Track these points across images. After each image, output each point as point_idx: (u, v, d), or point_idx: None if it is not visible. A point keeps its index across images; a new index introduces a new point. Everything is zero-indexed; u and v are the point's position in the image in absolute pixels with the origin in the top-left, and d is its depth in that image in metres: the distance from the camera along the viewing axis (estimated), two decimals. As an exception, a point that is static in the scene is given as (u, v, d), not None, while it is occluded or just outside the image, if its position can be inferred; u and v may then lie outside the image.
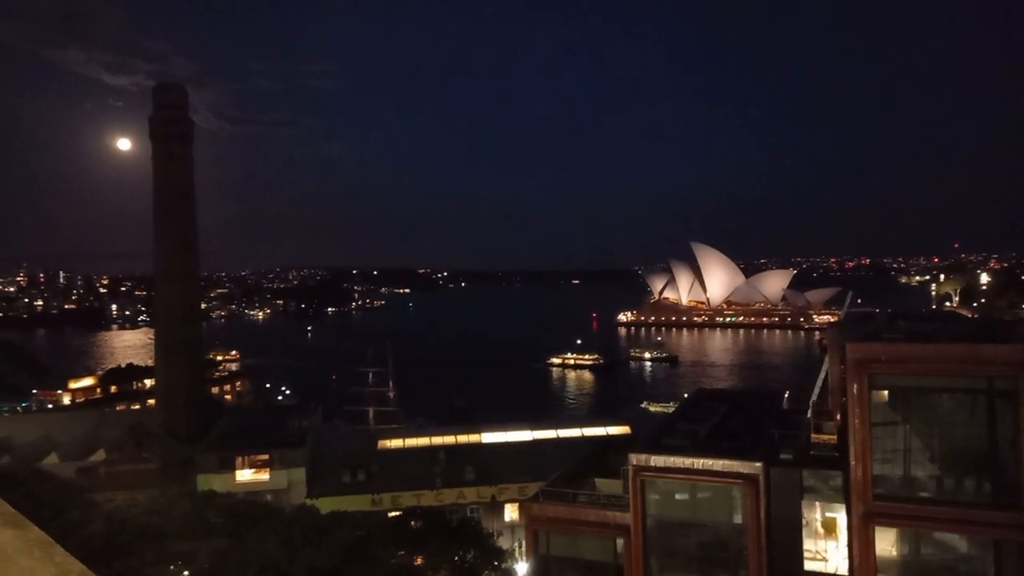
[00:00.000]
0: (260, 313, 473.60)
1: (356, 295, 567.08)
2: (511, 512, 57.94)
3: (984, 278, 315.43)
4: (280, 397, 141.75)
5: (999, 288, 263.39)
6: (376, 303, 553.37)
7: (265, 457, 58.09)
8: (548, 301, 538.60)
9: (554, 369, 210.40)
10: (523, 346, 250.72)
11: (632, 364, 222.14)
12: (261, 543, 33.99)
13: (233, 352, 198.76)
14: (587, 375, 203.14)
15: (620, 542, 25.74)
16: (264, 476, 57.71)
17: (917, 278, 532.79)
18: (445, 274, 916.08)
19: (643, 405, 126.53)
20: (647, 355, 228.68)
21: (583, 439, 62.93)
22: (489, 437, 66.23)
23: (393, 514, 52.49)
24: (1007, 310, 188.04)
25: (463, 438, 66.29)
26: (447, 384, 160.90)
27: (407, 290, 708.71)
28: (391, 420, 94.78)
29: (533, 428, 67.68)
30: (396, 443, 65.34)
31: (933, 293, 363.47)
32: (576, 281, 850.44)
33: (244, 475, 57.84)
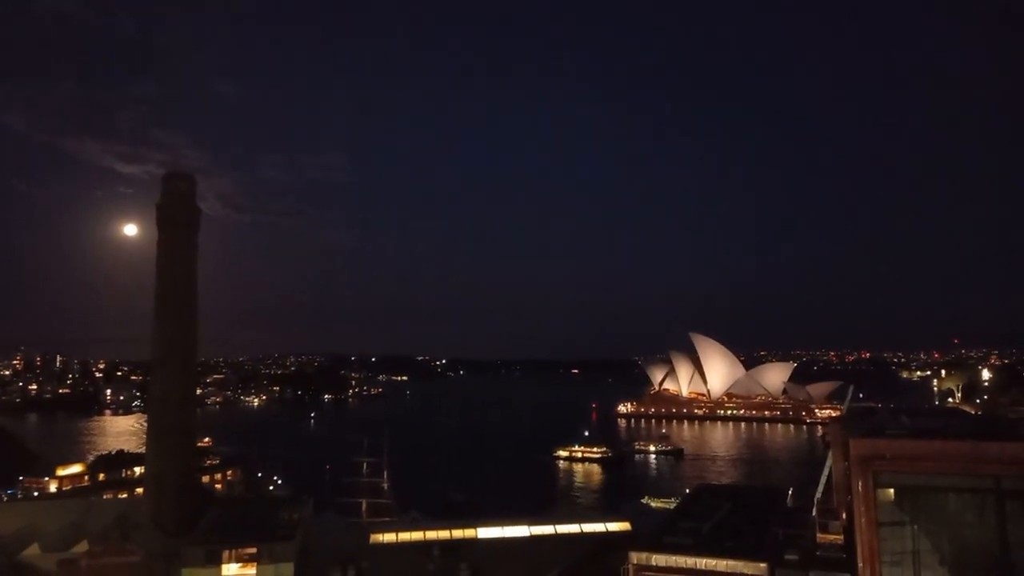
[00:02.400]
0: (256, 400, 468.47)
1: (353, 382, 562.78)
2: (506, 613, 55.58)
3: (986, 374, 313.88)
4: (272, 487, 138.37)
5: (1001, 384, 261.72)
6: (373, 391, 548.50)
7: (253, 551, 56.18)
8: (548, 391, 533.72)
9: (561, 462, 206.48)
10: (523, 438, 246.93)
11: (637, 457, 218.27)
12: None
13: (206, 439, 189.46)
14: (595, 468, 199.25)
15: (620, 648, 24.59)
16: (251, 571, 55.64)
17: (918, 373, 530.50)
18: (444, 362, 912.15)
19: (644, 500, 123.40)
20: (652, 448, 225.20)
21: (582, 535, 61.05)
22: (485, 532, 64.30)
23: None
24: (1010, 407, 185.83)
25: (458, 533, 64.36)
26: (444, 476, 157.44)
27: (405, 378, 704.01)
28: (384, 513, 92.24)
29: (531, 523, 65.79)
30: (389, 537, 63.36)
31: (935, 388, 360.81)
32: (576, 371, 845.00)
33: (230, 570, 55.77)
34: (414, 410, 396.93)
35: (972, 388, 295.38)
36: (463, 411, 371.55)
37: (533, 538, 62.97)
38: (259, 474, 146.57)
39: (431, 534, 64.00)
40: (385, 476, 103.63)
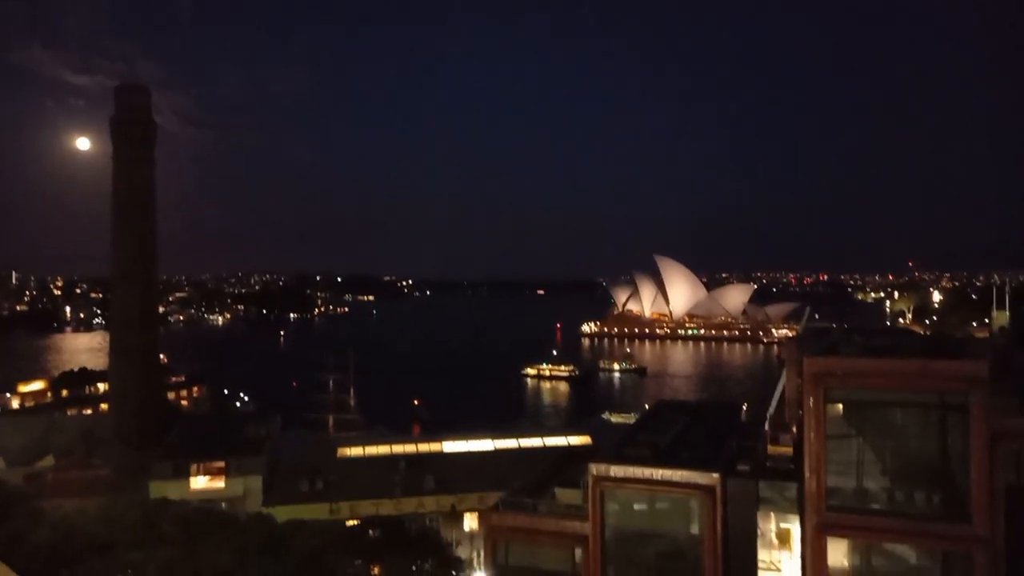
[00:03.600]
0: (220, 318, 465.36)
1: (319, 302, 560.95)
2: (471, 522, 57.67)
3: (936, 296, 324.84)
4: (238, 404, 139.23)
5: (950, 306, 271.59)
6: (339, 310, 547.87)
7: (221, 464, 56.95)
8: (514, 311, 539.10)
9: (528, 380, 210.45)
10: (491, 357, 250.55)
11: (602, 375, 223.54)
12: (215, 552, 33.23)
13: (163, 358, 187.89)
14: (561, 386, 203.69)
15: (578, 552, 25.74)
16: (220, 484, 56.56)
17: (873, 295, 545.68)
18: (410, 282, 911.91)
19: (605, 416, 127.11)
20: (616, 367, 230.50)
21: (544, 449, 62.97)
22: (450, 446, 65.92)
23: (351, 523, 51.83)
24: (958, 327, 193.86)
25: (424, 447, 65.88)
26: (410, 393, 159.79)
27: (371, 298, 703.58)
28: (351, 428, 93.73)
29: (494, 437, 67.53)
30: (356, 451, 64.61)
31: (888, 309, 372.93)
32: (541, 292, 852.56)
33: (199, 483, 56.63)
34: (380, 329, 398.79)
35: (923, 309, 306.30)
36: (430, 330, 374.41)
37: (497, 452, 64.79)
38: (225, 391, 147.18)
39: (397, 448, 65.42)
40: (352, 393, 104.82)
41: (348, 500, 56.63)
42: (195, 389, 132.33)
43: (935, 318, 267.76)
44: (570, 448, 58.36)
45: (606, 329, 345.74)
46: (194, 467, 56.86)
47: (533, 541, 27.15)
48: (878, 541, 22.25)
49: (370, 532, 45.51)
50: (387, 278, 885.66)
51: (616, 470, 25.32)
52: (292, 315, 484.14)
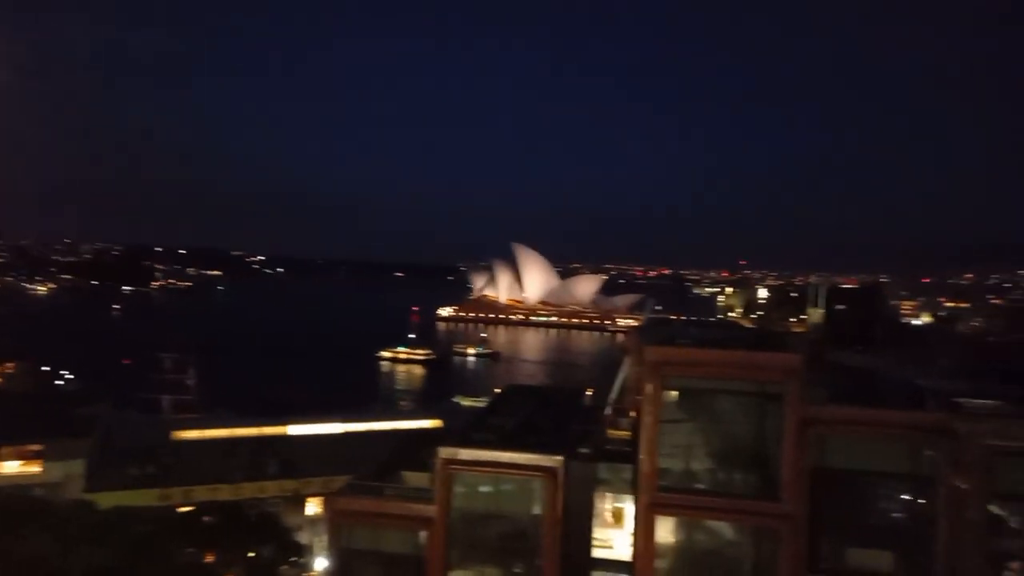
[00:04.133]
0: (43, 287, 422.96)
1: (159, 275, 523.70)
2: (314, 506, 56.39)
3: (763, 293, 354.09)
4: (60, 382, 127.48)
5: (774, 303, 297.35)
6: (181, 284, 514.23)
7: (37, 448, 52.10)
8: (371, 292, 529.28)
9: (384, 363, 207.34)
10: (343, 338, 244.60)
11: (457, 359, 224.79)
12: (32, 540, 30.46)
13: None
14: (417, 369, 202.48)
15: (423, 534, 25.89)
16: (35, 468, 51.75)
17: (708, 290, 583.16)
18: (262, 258, 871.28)
19: (456, 400, 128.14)
20: (471, 351, 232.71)
21: (395, 432, 62.66)
22: (296, 429, 64.05)
23: (184, 509, 49.16)
24: (779, 322, 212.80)
25: (268, 430, 63.58)
26: (256, 375, 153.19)
27: (218, 273, 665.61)
28: (190, 410, 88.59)
29: (344, 421, 66.36)
30: (193, 434, 61.29)
31: (720, 304, 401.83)
32: (400, 274, 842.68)
33: (10, 467, 51.53)
34: (227, 306, 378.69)
35: (751, 305, 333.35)
36: (281, 309, 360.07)
37: (346, 435, 63.73)
38: (46, 368, 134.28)
39: (239, 431, 62.72)
40: (191, 372, 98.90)
41: (182, 485, 53.68)
42: (8, 365, 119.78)
43: (761, 313, 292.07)
44: (421, 431, 58.44)
45: (462, 313, 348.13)
46: (5, 450, 51.65)
47: (378, 524, 26.99)
48: (701, 518, 24.02)
49: (205, 518, 43.36)
50: (236, 253, 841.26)
51: (464, 453, 25.65)
52: (127, 288, 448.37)
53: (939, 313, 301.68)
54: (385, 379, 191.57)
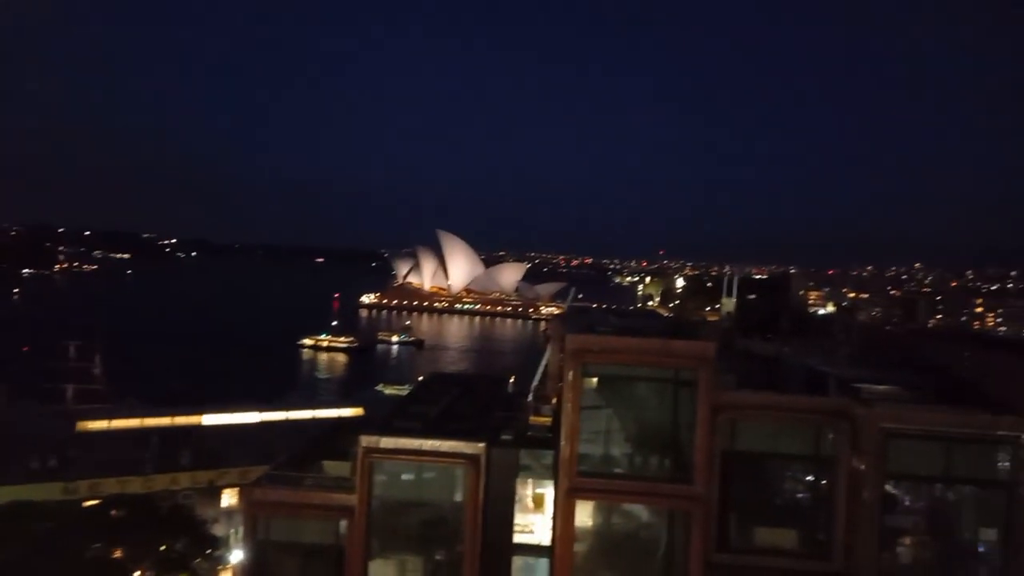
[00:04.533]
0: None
1: (62, 257, 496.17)
2: (230, 498, 54.99)
3: (680, 282, 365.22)
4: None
5: (690, 292, 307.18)
6: (87, 268, 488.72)
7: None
8: (291, 278, 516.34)
9: (306, 351, 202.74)
10: (262, 325, 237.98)
11: (381, 347, 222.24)
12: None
13: None
14: (340, 357, 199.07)
15: (343, 524, 25.63)
16: (-79, 464, 48.49)
17: (628, 279, 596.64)
18: (174, 241, 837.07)
19: (378, 388, 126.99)
20: (395, 338, 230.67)
21: (315, 421, 61.68)
22: (211, 419, 62.19)
23: (90, 504, 47.09)
24: (695, 311, 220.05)
25: (181, 420, 61.48)
26: (168, 363, 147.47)
27: (126, 256, 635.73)
28: (96, 400, 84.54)
29: (261, 410, 64.84)
30: (99, 424, 58.69)
31: (639, 292, 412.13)
32: (320, 260, 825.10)
33: None
34: (136, 291, 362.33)
35: (668, 294, 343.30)
36: (195, 294, 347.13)
37: (263, 424, 62.33)
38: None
39: (149, 421, 60.43)
40: (97, 360, 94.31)
41: (88, 478, 51.37)
42: None
43: (677, 302, 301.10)
44: (342, 420, 57.69)
45: (386, 300, 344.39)
46: None
47: (297, 515, 26.56)
48: (618, 502, 24.68)
49: (112, 512, 41.66)
50: (146, 236, 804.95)
51: (386, 441, 25.50)
52: (26, 271, 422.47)
53: (842, 303, 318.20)
54: (307, 367, 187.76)
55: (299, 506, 26.44)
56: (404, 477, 26.41)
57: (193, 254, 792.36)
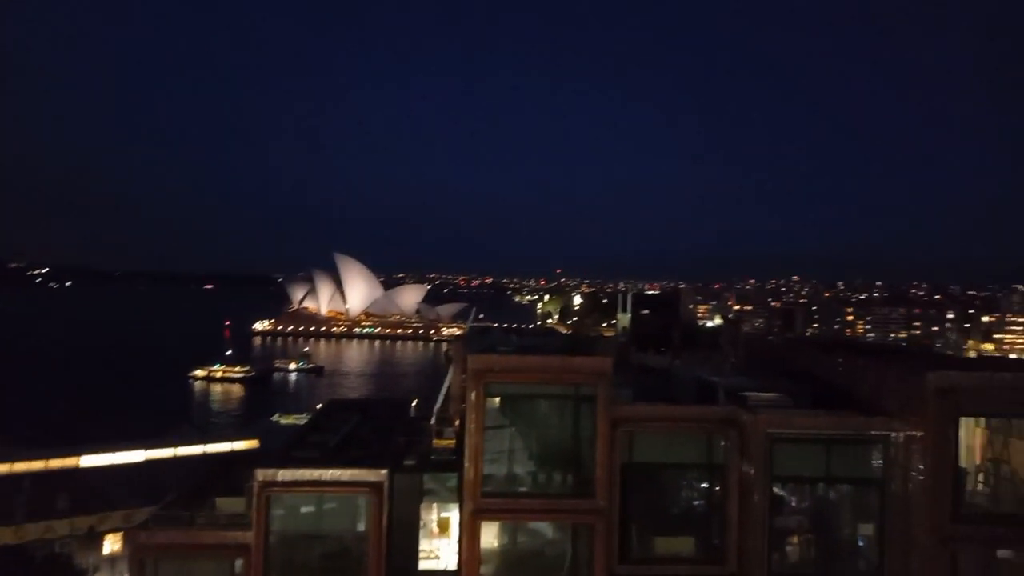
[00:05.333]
0: None
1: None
2: (113, 543, 51.48)
3: (578, 300, 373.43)
4: None
5: (587, 309, 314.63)
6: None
7: None
8: (179, 306, 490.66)
9: (198, 383, 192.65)
10: (148, 357, 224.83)
11: (278, 376, 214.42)
12: None
13: None
14: (235, 388, 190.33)
15: (239, 563, 24.53)
16: None
17: (528, 297, 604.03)
18: (46, 270, 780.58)
19: (274, 418, 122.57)
20: (293, 366, 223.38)
21: (206, 456, 58.80)
22: (90, 460, 58.16)
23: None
24: (592, 327, 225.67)
25: (56, 462, 57.16)
26: (41, 400, 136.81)
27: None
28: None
29: (147, 447, 61.23)
30: (-40, 473, 53.70)
31: (539, 311, 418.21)
32: (210, 286, 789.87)
33: None
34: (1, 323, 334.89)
35: (567, 311, 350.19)
36: (72, 325, 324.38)
37: (149, 462, 58.88)
38: None
39: (20, 465, 55.86)
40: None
41: (-52, 532, 46.84)
42: None
43: (576, 319, 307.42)
44: (236, 453, 55.26)
45: (280, 327, 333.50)
46: None
47: (188, 556, 25.22)
48: (524, 520, 24.85)
49: (-22, 568, 38.16)
50: (13, 265, 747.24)
51: (283, 474, 24.66)
52: None
53: (728, 315, 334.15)
54: (199, 400, 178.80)
55: (190, 547, 25.13)
56: (303, 510, 25.58)
57: (68, 284, 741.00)
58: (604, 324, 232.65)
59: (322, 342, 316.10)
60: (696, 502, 25.55)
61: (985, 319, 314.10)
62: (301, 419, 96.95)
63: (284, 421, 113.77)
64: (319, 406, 56.87)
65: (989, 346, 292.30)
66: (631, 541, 23.93)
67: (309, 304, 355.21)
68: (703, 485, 25.18)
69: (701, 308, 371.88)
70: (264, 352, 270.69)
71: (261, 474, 24.63)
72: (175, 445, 62.40)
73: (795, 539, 24.06)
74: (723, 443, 24.06)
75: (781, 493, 24.01)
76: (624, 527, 23.82)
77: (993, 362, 77.65)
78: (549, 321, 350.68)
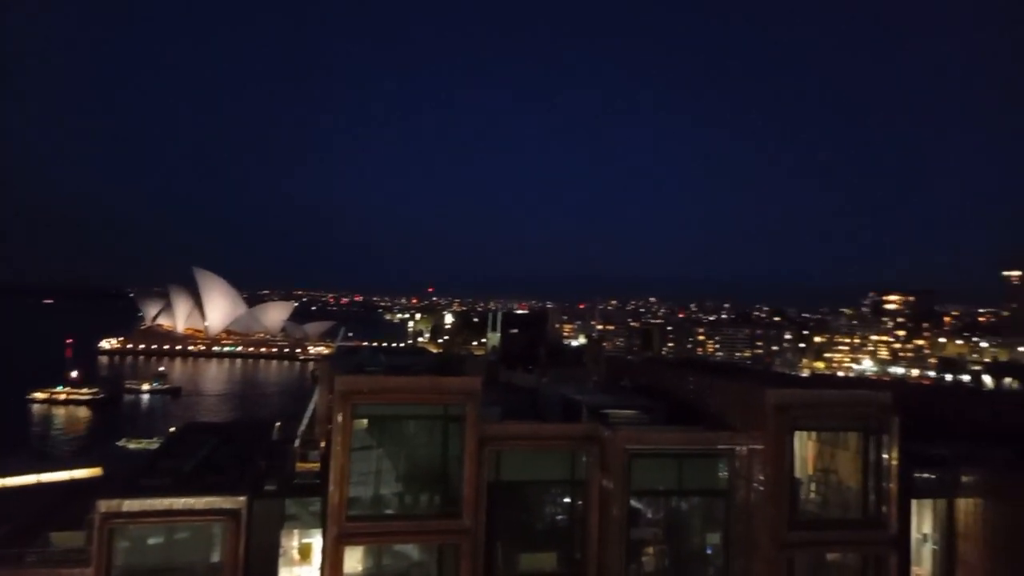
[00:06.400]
0: None
1: None
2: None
3: (449, 318, 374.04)
4: None
5: (458, 327, 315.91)
6: None
7: None
8: (12, 322, 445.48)
9: (37, 406, 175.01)
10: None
11: (129, 397, 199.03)
12: None
13: None
14: (81, 411, 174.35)
15: (77, 602, 22.69)
16: None
17: (399, 316, 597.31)
18: None
19: (122, 443, 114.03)
20: (147, 387, 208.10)
21: (40, 487, 53.71)
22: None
23: None
24: (463, 346, 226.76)
25: None
26: None
27: None
28: None
29: (-29, 478, 55.17)
30: None
31: (410, 329, 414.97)
32: (50, 300, 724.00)
33: None
34: None
35: (438, 330, 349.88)
36: None
37: (-26, 495, 53.01)
38: None
39: None
40: None
41: None
42: None
43: (447, 337, 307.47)
44: (75, 483, 50.87)
45: (131, 345, 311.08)
46: None
47: (17, 599, 23.04)
48: (390, 543, 24.61)
49: None
50: None
51: (130, 504, 23.10)
52: None
53: (592, 334, 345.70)
54: (38, 425, 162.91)
55: (20, 588, 22.97)
56: (152, 542, 24.07)
57: None
58: (475, 343, 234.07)
59: (179, 361, 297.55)
60: (559, 517, 26.30)
61: (817, 339, 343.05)
62: (152, 444, 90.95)
63: (132, 446, 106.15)
64: (172, 429, 53.65)
65: (821, 364, 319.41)
66: (496, 559, 24.26)
67: (164, 321, 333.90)
68: (566, 500, 25.97)
69: (567, 327, 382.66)
70: (113, 372, 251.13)
71: (104, 505, 22.97)
72: (7, 475, 56.59)
73: (650, 550, 25.28)
74: (585, 459, 24.96)
75: (638, 506, 25.19)
76: (490, 545, 24.12)
77: (823, 380, 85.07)
78: (420, 340, 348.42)
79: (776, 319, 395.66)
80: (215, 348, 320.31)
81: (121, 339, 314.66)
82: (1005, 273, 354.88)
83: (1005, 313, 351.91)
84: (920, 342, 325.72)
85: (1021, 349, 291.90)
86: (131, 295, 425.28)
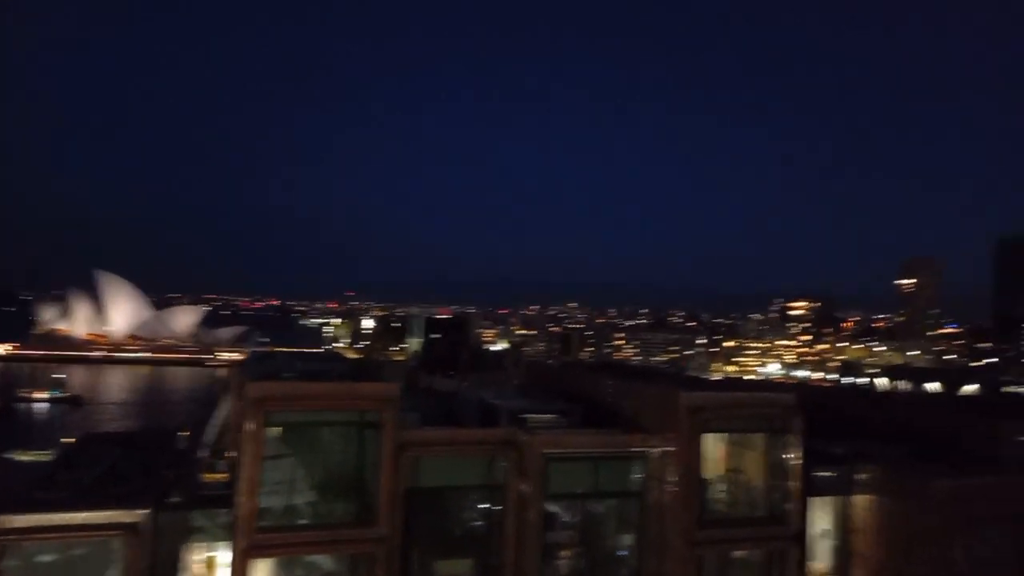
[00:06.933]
0: None
1: None
2: None
3: (369, 323, 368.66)
4: None
5: (378, 333, 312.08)
6: None
7: None
8: None
9: None
10: None
11: (23, 406, 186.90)
12: None
13: None
14: None
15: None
16: None
17: (316, 321, 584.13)
18: None
19: (10, 455, 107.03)
20: (44, 395, 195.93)
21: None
22: None
23: None
24: (383, 351, 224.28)
25: None
26: None
27: None
28: None
29: None
30: None
31: (328, 335, 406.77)
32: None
33: None
34: None
35: (357, 335, 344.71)
36: None
37: None
38: None
39: None
40: None
41: None
42: None
43: (367, 343, 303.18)
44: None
45: (25, 352, 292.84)
46: None
47: None
48: (300, 554, 23.98)
49: None
50: None
51: (22, 520, 21.71)
52: None
53: (512, 340, 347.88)
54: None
55: None
56: (44, 559, 22.68)
57: None
58: (395, 348, 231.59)
59: (80, 368, 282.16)
60: (477, 523, 26.27)
61: (728, 344, 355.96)
62: (46, 456, 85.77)
63: (24, 458, 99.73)
64: (70, 440, 50.46)
65: (731, 368, 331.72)
66: (412, 566, 24.01)
67: (63, 325, 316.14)
68: (484, 506, 25.96)
69: (488, 332, 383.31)
70: (5, 380, 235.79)
71: (-8, 522, 21.52)
72: None
73: (567, 553, 25.56)
74: (503, 464, 25.03)
75: (555, 509, 25.44)
76: (406, 552, 23.85)
77: (732, 383, 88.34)
78: (338, 345, 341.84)
79: (691, 324, 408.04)
80: (118, 354, 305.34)
81: (14, 344, 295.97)
82: (897, 282, 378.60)
83: (899, 319, 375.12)
84: (823, 346, 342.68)
85: (912, 353, 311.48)
86: (27, 299, 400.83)
